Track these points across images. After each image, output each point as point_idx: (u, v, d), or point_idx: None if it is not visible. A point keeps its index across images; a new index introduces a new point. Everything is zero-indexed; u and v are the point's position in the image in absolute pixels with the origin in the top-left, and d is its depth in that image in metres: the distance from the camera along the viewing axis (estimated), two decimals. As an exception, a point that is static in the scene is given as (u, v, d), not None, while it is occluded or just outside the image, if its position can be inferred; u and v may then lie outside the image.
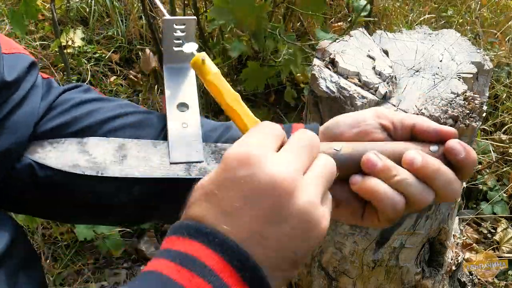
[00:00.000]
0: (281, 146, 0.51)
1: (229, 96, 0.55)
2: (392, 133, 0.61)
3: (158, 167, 0.61)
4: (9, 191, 0.64)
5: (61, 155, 0.61)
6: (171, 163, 0.62)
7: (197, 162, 0.62)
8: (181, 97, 0.65)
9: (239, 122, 0.55)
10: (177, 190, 0.63)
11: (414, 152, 0.56)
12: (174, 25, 0.63)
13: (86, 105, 0.68)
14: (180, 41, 0.64)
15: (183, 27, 0.63)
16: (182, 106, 0.65)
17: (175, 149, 0.62)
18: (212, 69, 0.57)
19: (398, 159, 0.56)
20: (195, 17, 0.63)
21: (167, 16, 0.62)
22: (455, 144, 0.57)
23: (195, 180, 0.51)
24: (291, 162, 0.48)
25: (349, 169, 0.57)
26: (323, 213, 0.48)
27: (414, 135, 0.60)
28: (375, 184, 0.55)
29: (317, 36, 1.75)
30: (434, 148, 0.57)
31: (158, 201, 0.67)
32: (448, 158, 0.57)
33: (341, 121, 0.63)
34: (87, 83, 2.58)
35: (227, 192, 0.46)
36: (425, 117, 0.61)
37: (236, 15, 1.60)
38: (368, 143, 0.58)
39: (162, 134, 0.67)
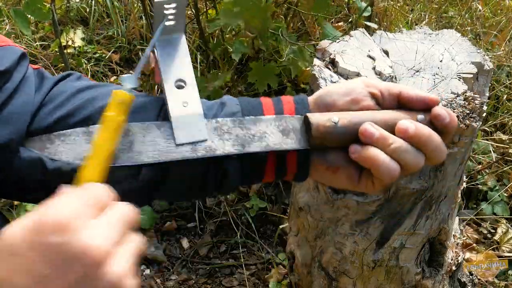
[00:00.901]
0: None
1: (99, 147, 0.55)
2: (380, 101, 0.66)
3: (165, 150, 0.61)
4: (14, 183, 0.64)
5: (71, 148, 0.61)
6: (177, 145, 0.62)
7: (202, 141, 0.62)
8: (177, 72, 0.65)
9: (83, 172, 0.55)
10: (183, 166, 0.64)
11: (407, 122, 0.62)
12: (165, 5, 0.63)
13: (83, 94, 0.68)
14: (172, 17, 0.63)
15: (174, 5, 0.63)
16: (180, 81, 0.64)
17: (179, 129, 0.62)
18: (118, 114, 0.56)
19: (390, 128, 0.62)
20: None
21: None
22: (440, 110, 0.63)
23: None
24: (107, 233, 0.47)
25: (346, 139, 0.62)
26: (132, 286, 0.48)
27: (400, 102, 0.66)
28: (373, 153, 0.61)
29: (324, 31, 1.75)
30: (421, 117, 0.63)
31: (164, 179, 0.67)
32: (434, 124, 0.63)
33: (333, 90, 0.67)
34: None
35: (36, 256, 0.44)
36: (409, 86, 0.65)
37: (244, 16, 1.62)
38: (362, 113, 0.63)
39: (161, 114, 0.66)
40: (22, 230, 0.45)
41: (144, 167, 0.64)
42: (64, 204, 0.47)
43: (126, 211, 0.50)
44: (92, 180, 0.54)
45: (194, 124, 0.62)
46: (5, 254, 0.45)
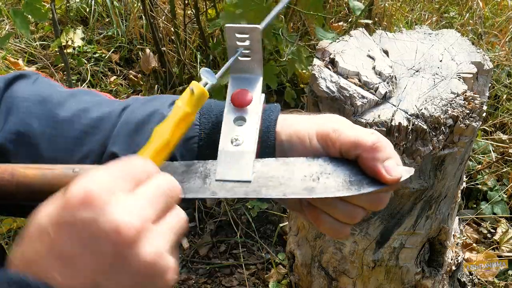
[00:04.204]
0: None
1: (161, 130, 0.53)
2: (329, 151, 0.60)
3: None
4: None
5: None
6: (216, 180, 0.57)
7: (245, 181, 0.57)
8: (241, 110, 0.61)
9: (145, 145, 0.53)
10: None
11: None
12: (237, 33, 0.60)
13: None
14: (247, 51, 0.60)
15: (247, 36, 0.59)
16: (240, 120, 0.60)
17: (222, 166, 0.58)
18: (188, 106, 0.54)
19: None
20: (259, 26, 0.58)
21: (229, 24, 0.59)
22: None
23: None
24: (142, 209, 0.43)
25: None
26: (168, 266, 0.44)
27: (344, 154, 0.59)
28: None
29: (317, 35, 1.75)
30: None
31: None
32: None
33: (294, 135, 0.60)
34: (87, 83, 2.58)
35: (63, 235, 0.40)
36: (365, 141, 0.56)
37: (246, 17, 1.63)
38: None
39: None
40: (52, 207, 0.42)
41: None
42: (95, 177, 0.43)
43: (166, 183, 0.46)
44: (151, 156, 0.51)
45: (241, 163, 0.58)
46: (34, 234, 0.42)
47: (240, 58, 0.60)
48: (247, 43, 0.59)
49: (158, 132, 0.53)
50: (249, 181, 0.57)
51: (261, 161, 0.58)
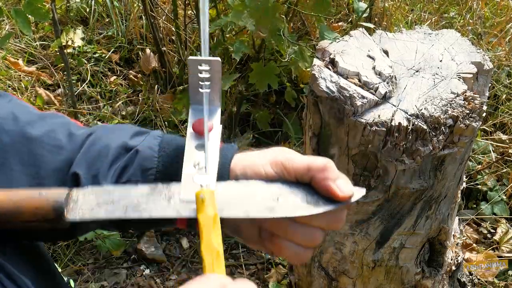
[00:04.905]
0: None
1: (208, 247, 0.55)
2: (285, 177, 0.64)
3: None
4: None
5: None
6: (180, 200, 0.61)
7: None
8: (202, 138, 0.64)
9: (207, 261, 0.55)
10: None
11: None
12: (199, 65, 0.62)
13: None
14: (207, 83, 0.63)
15: (208, 68, 0.62)
16: (201, 146, 0.64)
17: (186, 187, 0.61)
18: (208, 211, 0.56)
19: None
20: (218, 58, 0.62)
21: (192, 57, 0.62)
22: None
23: None
24: None
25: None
26: None
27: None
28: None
29: (322, 35, 1.76)
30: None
31: None
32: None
33: (248, 168, 0.63)
34: (87, 83, 2.58)
35: None
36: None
37: (254, 17, 1.64)
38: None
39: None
40: None
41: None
42: None
43: None
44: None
45: (203, 183, 0.61)
46: None
47: (201, 90, 0.63)
48: (207, 75, 0.62)
49: (208, 249, 0.55)
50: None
51: (223, 183, 0.61)
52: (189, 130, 0.64)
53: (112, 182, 0.64)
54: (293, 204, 0.59)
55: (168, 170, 0.65)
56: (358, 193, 0.61)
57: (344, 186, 0.59)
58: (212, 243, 0.55)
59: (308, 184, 0.61)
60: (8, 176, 0.63)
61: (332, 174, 0.59)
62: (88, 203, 0.58)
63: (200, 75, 0.62)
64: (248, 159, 0.64)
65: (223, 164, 0.64)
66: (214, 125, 0.65)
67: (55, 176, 0.65)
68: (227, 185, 0.61)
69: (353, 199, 0.60)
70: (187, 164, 0.62)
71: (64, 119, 0.71)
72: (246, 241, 0.66)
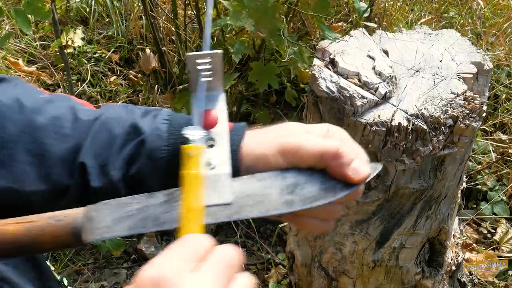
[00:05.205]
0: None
1: (187, 205, 0.54)
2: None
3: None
4: None
5: None
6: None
7: (225, 204, 0.58)
8: (209, 131, 0.62)
9: (180, 232, 0.54)
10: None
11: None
12: (197, 60, 0.61)
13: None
14: (208, 73, 0.62)
15: (208, 60, 0.61)
16: (211, 140, 0.62)
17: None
18: (193, 169, 0.55)
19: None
20: (220, 50, 0.61)
21: (190, 53, 0.61)
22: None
23: None
24: (210, 284, 0.45)
25: None
26: None
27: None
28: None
29: (323, 35, 1.76)
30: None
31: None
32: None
33: (259, 161, 0.62)
34: (87, 83, 2.57)
35: None
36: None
37: (253, 17, 1.64)
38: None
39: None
40: None
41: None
42: (162, 261, 0.46)
43: (229, 254, 0.49)
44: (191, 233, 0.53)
45: (219, 185, 0.59)
46: None
47: (203, 79, 0.62)
48: (208, 66, 0.61)
49: (188, 207, 0.54)
50: (230, 203, 0.58)
51: (237, 180, 0.60)
52: (195, 124, 0.62)
53: (121, 174, 0.62)
54: (310, 195, 0.58)
55: (179, 157, 0.61)
56: (374, 170, 0.60)
57: (360, 168, 0.58)
58: (193, 202, 0.54)
59: (323, 169, 0.59)
60: (15, 168, 0.62)
61: (346, 159, 0.58)
62: (104, 221, 0.57)
63: (199, 67, 0.61)
64: (259, 149, 0.62)
65: (232, 153, 0.62)
66: (220, 115, 0.63)
67: (62, 165, 0.63)
68: (243, 181, 0.60)
69: (370, 178, 0.60)
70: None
71: (70, 101, 0.69)
72: (267, 217, 0.65)
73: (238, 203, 0.58)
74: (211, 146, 0.62)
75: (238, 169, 0.61)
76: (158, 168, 0.63)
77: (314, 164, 0.59)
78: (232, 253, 0.49)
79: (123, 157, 0.63)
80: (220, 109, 0.64)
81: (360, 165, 0.59)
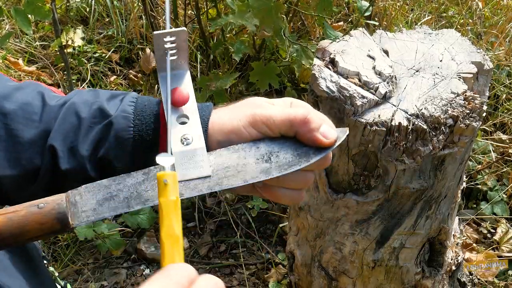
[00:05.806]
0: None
1: (167, 231, 0.54)
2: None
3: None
4: None
5: None
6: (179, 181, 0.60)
7: (205, 177, 0.60)
8: (180, 108, 0.64)
9: (162, 260, 0.54)
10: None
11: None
12: (164, 38, 0.62)
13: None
14: (174, 51, 0.63)
15: (173, 38, 0.62)
16: (183, 117, 0.63)
17: (181, 167, 0.60)
18: (170, 195, 0.54)
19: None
20: (184, 28, 0.62)
21: (157, 31, 0.62)
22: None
23: None
24: None
25: None
26: None
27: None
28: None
29: (326, 34, 1.76)
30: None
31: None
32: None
33: (231, 133, 0.63)
34: (87, 83, 2.57)
35: None
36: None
37: (257, 16, 1.65)
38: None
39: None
40: None
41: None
42: None
43: (212, 284, 0.49)
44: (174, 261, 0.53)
45: (196, 160, 0.61)
46: None
47: (169, 58, 0.63)
48: (174, 44, 0.63)
49: (168, 234, 0.55)
50: (209, 176, 0.60)
51: (213, 154, 0.61)
52: (166, 102, 0.63)
53: (89, 155, 0.64)
54: (285, 161, 0.60)
55: (145, 138, 0.64)
56: (343, 134, 0.62)
57: (328, 132, 0.61)
58: (173, 229, 0.54)
59: (294, 136, 0.62)
60: None
61: (314, 124, 0.60)
62: (88, 204, 0.57)
63: (166, 46, 0.62)
64: (228, 123, 0.64)
65: (203, 128, 0.63)
66: (189, 93, 0.64)
67: (31, 149, 0.64)
68: (218, 154, 0.61)
69: (339, 142, 0.62)
70: (174, 142, 0.62)
71: (39, 88, 0.70)
72: (238, 192, 0.66)
73: (217, 175, 0.60)
74: (184, 123, 0.63)
75: (211, 144, 0.63)
76: (125, 149, 0.64)
77: (285, 132, 0.61)
78: (215, 282, 0.49)
79: (91, 139, 0.64)
80: (188, 87, 0.65)
81: (329, 129, 0.61)
